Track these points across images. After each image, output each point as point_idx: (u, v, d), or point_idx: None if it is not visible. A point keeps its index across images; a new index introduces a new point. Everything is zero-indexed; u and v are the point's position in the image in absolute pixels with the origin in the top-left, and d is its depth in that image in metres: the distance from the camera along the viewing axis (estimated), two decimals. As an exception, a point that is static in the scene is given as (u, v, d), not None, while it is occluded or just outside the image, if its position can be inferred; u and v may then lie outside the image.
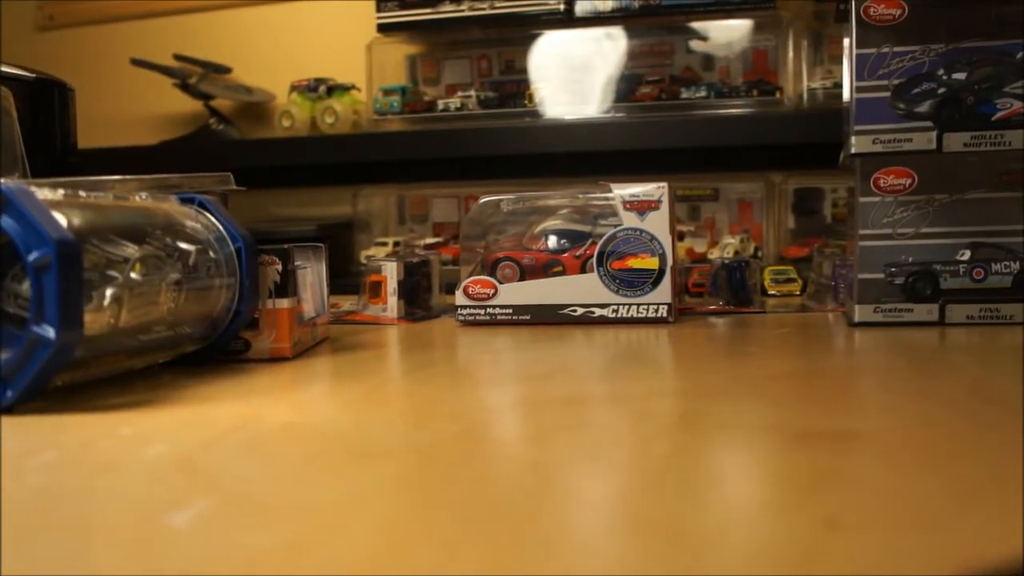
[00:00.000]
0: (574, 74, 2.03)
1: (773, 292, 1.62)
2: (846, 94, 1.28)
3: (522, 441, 0.66)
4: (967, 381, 0.86)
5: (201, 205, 0.95)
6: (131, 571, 0.39)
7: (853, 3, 1.23)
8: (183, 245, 0.89)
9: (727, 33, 2.02)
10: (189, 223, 0.92)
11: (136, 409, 0.74)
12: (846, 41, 1.27)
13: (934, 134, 1.19)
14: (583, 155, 1.99)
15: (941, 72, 1.23)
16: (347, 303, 1.48)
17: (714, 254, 1.85)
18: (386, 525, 0.45)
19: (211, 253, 0.93)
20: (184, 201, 0.95)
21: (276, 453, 0.60)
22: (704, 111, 1.94)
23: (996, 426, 0.64)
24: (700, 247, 1.90)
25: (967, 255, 1.22)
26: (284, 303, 0.98)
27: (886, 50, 1.28)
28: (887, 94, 1.25)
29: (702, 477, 0.54)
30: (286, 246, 1.01)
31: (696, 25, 2.02)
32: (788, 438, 0.62)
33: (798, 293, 1.60)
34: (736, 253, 1.84)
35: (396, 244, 2.02)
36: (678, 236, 1.89)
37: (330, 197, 2.24)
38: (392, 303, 1.35)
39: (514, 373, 0.97)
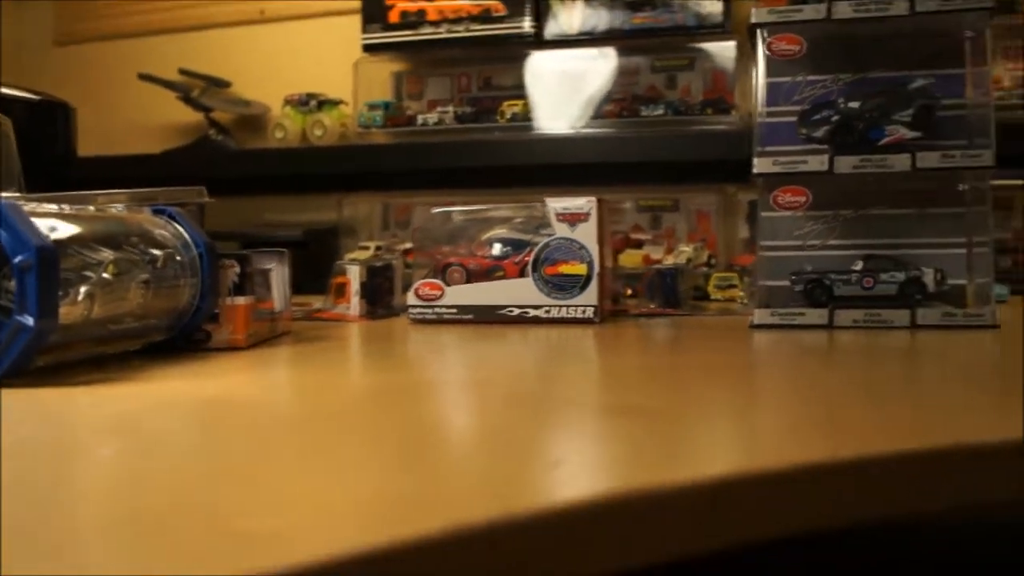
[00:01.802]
0: (546, 91, 2.19)
1: (717, 297, 1.77)
2: (756, 119, 1.43)
3: (386, 410, 0.81)
4: (789, 373, 1.01)
5: (171, 216, 1.12)
6: (64, 489, 0.55)
7: (760, 40, 1.39)
8: (153, 250, 1.06)
9: (688, 55, 2.18)
10: (158, 231, 1.09)
11: (99, 384, 0.90)
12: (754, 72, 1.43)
13: (827, 157, 1.33)
14: (553, 167, 2.15)
15: (840, 100, 1.38)
16: (319, 302, 1.64)
17: (669, 260, 2.00)
18: (266, 476, 0.60)
19: (178, 257, 1.09)
20: (156, 212, 1.12)
21: (197, 415, 0.77)
22: (665, 127, 2.10)
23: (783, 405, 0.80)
24: (656, 254, 2.06)
25: (860, 265, 1.37)
26: (241, 300, 1.15)
27: (800, 79, 1.44)
28: (795, 119, 1.41)
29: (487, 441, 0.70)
30: (245, 251, 1.17)
31: (662, 47, 2.17)
32: (601, 412, 0.78)
33: (739, 298, 1.75)
34: (689, 260, 1.98)
35: (378, 248, 2.18)
36: (637, 244, 2.05)
37: (318, 204, 2.40)
38: (355, 302, 1.51)
39: (424, 361, 1.13)
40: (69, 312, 0.92)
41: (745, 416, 0.76)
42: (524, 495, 0.50)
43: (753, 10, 1.36)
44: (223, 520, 0.45)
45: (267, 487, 0.53)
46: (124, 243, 1.02)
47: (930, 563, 0.98)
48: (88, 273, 0.95)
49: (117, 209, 1.08)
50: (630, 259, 1.84)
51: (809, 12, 1.33)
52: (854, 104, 1.36)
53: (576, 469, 0.58)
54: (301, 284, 1.88)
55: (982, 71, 1.36)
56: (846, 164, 1.33)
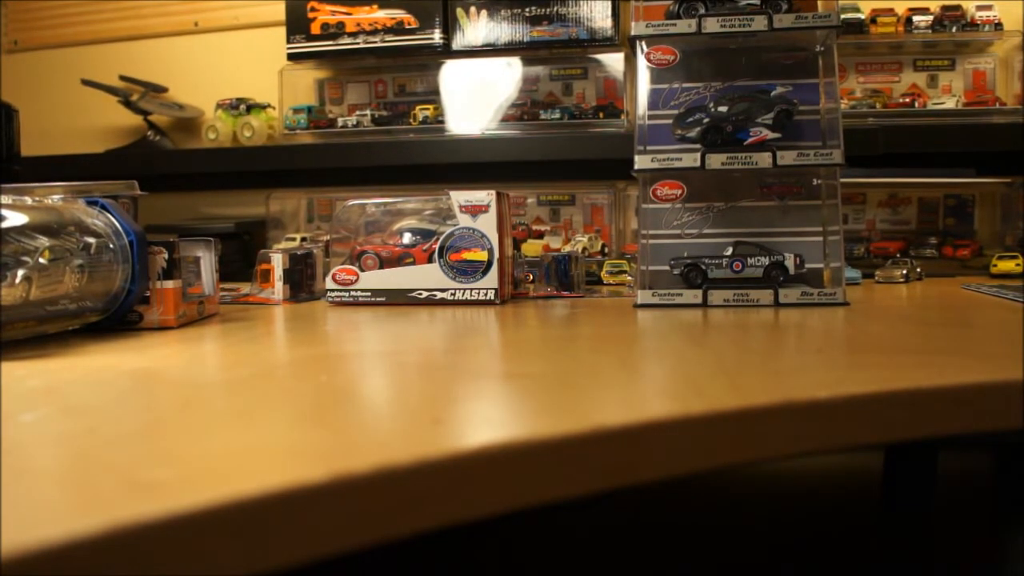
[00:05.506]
0: (455, 97, 2.20)
1: (609, 281, 1.79)
2: (636, 121, 1.45)
3: (291, 378, 0.82)
4: (663, 344, 1.04)
5: (103, 207, 1.10)
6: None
7: (639, 51, 1.41)
8: (87, 238, 1.04)
9: (582, 64, 2.20)
10: (91, 221, 1.07)
11: (35, 359, 0.89)
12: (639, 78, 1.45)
13: (699, 154, 1.36)
14: (462, 166, 2.15)
15: (711, 105, 1.41)
16: (247, 287, 1.63)
17: (567, 249, 2.02)
18: (176, 433, 0.61)
19: (110, 244, 1.08)
20: (90, 204, 1.10)
21: (119, 384, 0.76)
22: (562, 130, 2.12)
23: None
24: (555, 243, 2.08)
25: (730, 251, 1.40)
26: (169, 284, 1.14)
27: (676, 86, 1.46)
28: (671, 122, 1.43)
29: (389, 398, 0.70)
30: (172, 239, 1.16)
31: (559, 57, 2.19)
32: (494, 377, 0.79)
33: (628, 282, 1.77)
34: (584, 249, 2.01)
35: (303, 239, 2.17)
36: (538, 234, 2.07)
37: (248, 199, 2.38)
38: (279, 287, 1.50)
39: (339, 337, 1.13)
40: (8, 294, 0.90)
41: (616, 379, 0.77)
42: (408, 446, 0.51)
43: (632, 23, 1.38)
44: (129, 472, 0.45)
45: (174, 443, 0.53)
46: (60, 231, 1.01)
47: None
48: (25, 258, 0.94)
49: (53, 200, 1.07)
50: (532, 248, 1.86)
51: (682, 26, 1.35)
52: (723, 108, 1.39)
53: (460, 425, 0.59)
54: (234, 272, 1.87)
55: (832, 82, 1.40)
56: (716, 161, 1.36)
